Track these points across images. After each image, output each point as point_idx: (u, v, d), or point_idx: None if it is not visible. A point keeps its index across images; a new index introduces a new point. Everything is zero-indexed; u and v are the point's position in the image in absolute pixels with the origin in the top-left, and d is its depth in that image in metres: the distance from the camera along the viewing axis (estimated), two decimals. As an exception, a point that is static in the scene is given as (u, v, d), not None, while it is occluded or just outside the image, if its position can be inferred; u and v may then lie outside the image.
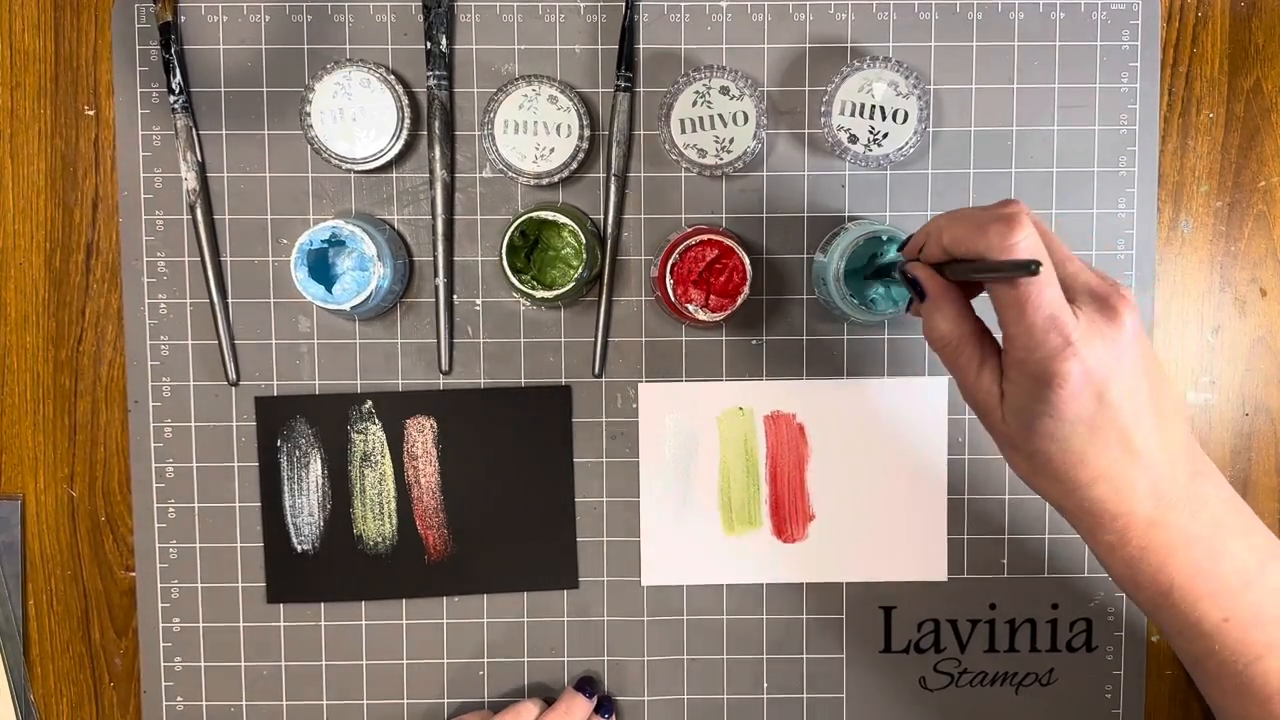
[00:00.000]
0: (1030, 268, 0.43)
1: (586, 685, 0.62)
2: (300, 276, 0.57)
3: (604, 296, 0.61)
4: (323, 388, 0.62)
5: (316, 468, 0.62)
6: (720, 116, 0.59)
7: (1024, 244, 0.44)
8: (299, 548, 0.62)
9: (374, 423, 0.62)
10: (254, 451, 0.62)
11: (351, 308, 0.57)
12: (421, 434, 0.62)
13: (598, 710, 0.62)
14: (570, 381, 0.62)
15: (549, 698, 0.62)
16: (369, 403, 0.62)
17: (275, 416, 0.62)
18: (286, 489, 0.62)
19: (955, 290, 0.49)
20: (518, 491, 0.62)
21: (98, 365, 0.62)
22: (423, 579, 0.62)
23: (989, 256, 0.45)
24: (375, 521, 0.62)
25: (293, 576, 0.62)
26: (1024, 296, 0.44)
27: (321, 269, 0.58)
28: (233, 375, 0.62)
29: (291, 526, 0.62)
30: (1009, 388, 0.47)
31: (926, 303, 0.49)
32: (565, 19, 0.61)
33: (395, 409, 0.62)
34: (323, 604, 0.63)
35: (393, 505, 0.62)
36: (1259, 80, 0.62)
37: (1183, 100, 0.62)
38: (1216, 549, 0.47)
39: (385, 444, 0.62)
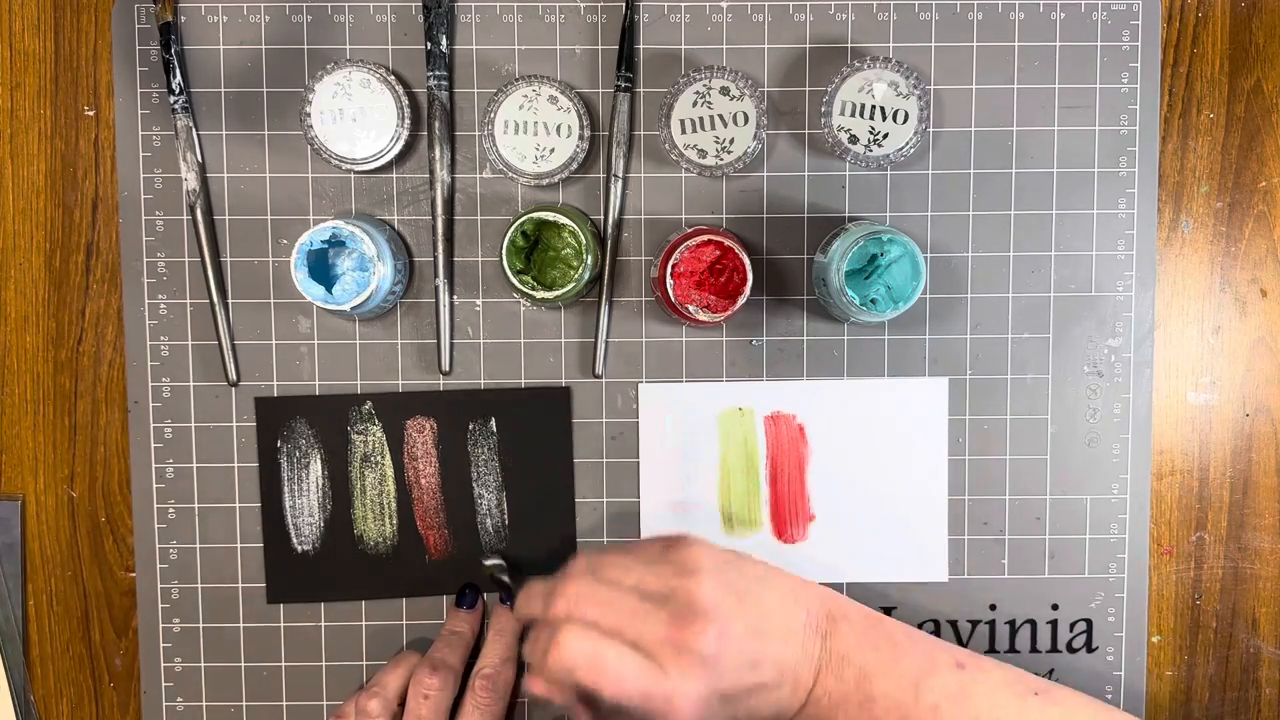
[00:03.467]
0: None
1: (466, 594, 0.62)
2: (300, 277, 0.57)
3: (604, 296, 0.61)
4: (323, 388, 0.62)
5: (316, 468, 0.62)
6: (720, 117, 0.59)
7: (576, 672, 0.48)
8: (299, 548, 0.62)
9: (374, 423, 0.62)
10: (254, 452, 0.62)
11: (352, 308, 0.57)
12: (421, 434, 0.62)
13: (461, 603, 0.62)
14: (570, 382, 0.62)
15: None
16: (369, 404, 0.62)
17: (275, 417, 0.62)
18: (286, 489, 0.62)
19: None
20: (518, 492, 0.62)
21: (98, 366, 0.62)
22: (423, 578, 0.62)
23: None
24: (376, 522, 0.62)
25: (293, 576, 0.62)
26: (615, 695, 0.48)
27: (321, 269, 0.57)
28: (233, 376, 0.62)
29: (292, 527, 0.62)
30: None
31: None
32: (565, 19, 0.61)
33: (395, 409, 0.62)
34: (323, 604, 0.63)
35: (393, 505, 0.62)
36: (1259, 80, 0.62)
37: (1183, 100, 0.62)
38: (867, 696, 0.51)
39: (385, 444, 0.62)
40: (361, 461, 0.62)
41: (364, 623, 0.63)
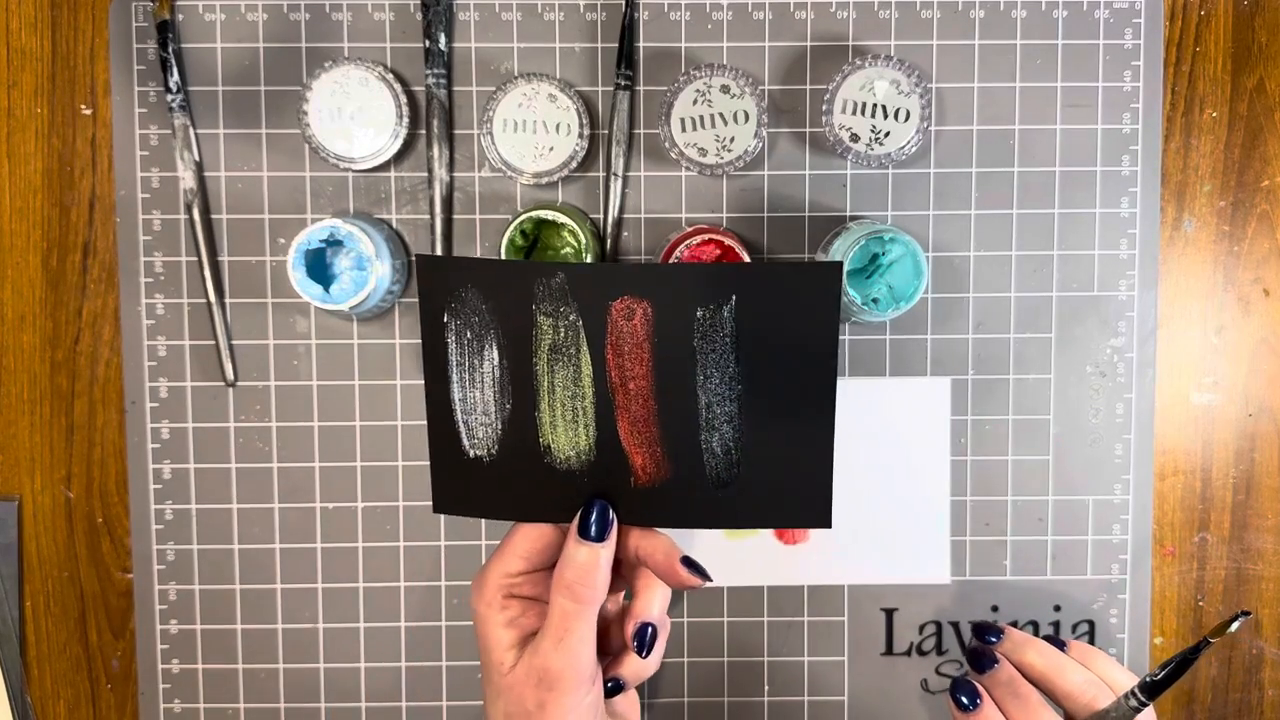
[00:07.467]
0: None
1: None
2: (298, 276, 0.57)
3: (604, 296, 0.61)
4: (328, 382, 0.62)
5: (493, 354, 0.49)
6: (721, 115, 0.59)
7: None
8: (471, 452, 0.49)
9: (567, 303, 0.48)
10: (252, 453, 0.62)
11: (350, 308, 0.57)
12: (630, 322, 0.48)
13: None
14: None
15: None
16: (561, 276, 0.47)
17: (441, 283, 0.48)
18: (455, 377, 0.49)
19: None
20: (759, 403, 0.47)
21: (94, 365, 0.62)
22: (626, 507, 0.49)
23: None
24: (568, 431, 0.49)
25: (463, 484, 0.50)
26: None
27: (319, 269, 0.57)
28: (230, 376, 0.61)
29: (462, 425, 0.49)
30: None
31: None
32: (565, 17, 0.61)
33: (597, 286, 0.47)
34: (322, 605, 0.62)
35: (590, 413, 0.48)
36: (1262, 79, 0.62)
37: (1185, 99, 0.62)
38: None
39: (582, 332, 0.48)
40: (550, 353, 0.48)
41: (362, 625, 0.63)
